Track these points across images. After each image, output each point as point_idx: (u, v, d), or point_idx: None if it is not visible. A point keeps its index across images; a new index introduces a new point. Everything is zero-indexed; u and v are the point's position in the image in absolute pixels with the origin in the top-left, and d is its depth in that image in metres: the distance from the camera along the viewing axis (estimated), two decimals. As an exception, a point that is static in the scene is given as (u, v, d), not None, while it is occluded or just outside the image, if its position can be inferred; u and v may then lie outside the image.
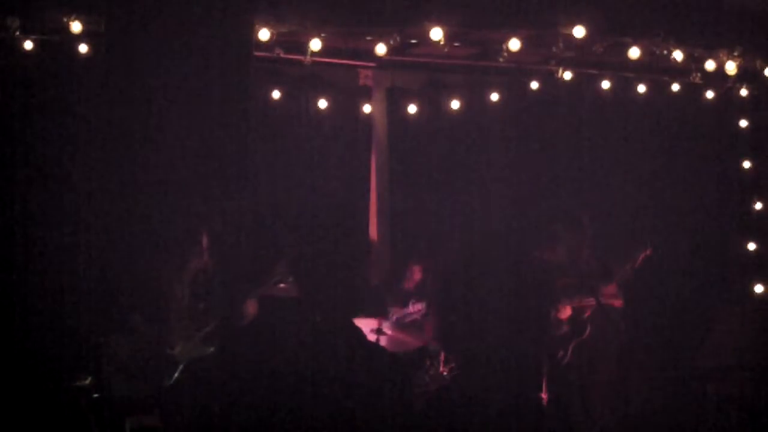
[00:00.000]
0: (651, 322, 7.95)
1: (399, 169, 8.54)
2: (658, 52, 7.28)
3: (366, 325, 7.51)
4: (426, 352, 7.50)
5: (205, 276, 6.91)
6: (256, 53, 6.64)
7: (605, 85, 8.06)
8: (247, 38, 6.36)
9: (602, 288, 7.68)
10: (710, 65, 7.50)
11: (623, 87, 8.11)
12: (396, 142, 8.54)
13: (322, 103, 8.11)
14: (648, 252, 7.79)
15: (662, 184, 8.36)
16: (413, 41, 7.13)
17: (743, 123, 8.14)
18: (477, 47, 7.40)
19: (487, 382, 7.40)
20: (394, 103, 8.46)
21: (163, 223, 6.62)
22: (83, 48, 6.65)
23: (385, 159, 8.53)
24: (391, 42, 6.92)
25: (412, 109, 8.40)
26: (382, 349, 7.47)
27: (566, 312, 7.65)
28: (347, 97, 8.27)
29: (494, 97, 8.43)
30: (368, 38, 7.02)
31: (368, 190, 8.47)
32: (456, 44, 6.99)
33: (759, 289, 7.92)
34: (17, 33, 6.50)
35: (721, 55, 7.48)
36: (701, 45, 7.45)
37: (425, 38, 6.80)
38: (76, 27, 6.47)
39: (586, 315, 7.66)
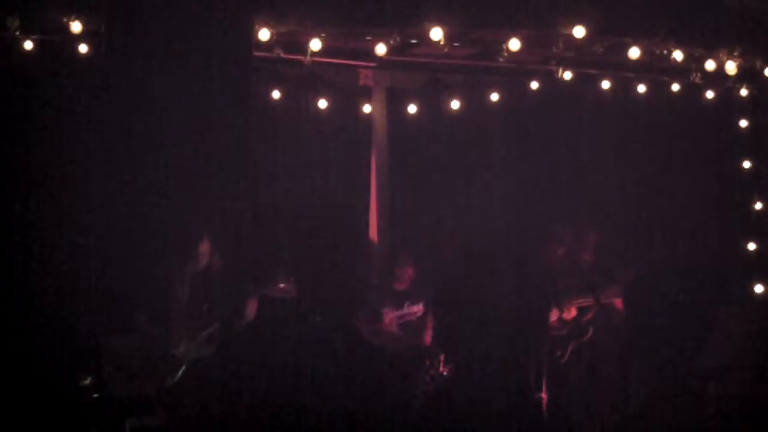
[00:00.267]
0: (651, 322, 7.96)
1: (399, 169, 8.54)
2: (658, 52, 7.28)
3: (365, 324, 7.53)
4: (426, 352, 7.51)
5: (206, 277, 6.91)
6: (256, 53, 6.65)
7: (605, 85, 8.06)
8: (247, 38, 6.36)
9: (605, 288, 7.70)
10: (710, 65, 7.50)
11: (623, 87, 8.11)
12: (396, 142, 8.54)
13: (322, 103, 8.10)
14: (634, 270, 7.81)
15: (662, 184, 8.35)
16: (413, 41, 7.13)
17: (743, 123, 8.14)
18: (477, 47, 7.40)
19: (487, 382, 7.43)
20: (394, 103, 8.46)
21: (163, 222, 6.62)
22: (83, 48, 6.65)
23: (385, 159, 8.53)
24: (391, 42, 6.92)
25: (412, 109, 8.40)
26: (382, 349, 7.53)
27: (571, 313, 7.66)
28: (347, 97, 8.26)
29: (494, 97, 8.42)
30: (368, 38, 7.02)
31: (368, 190, 8.47)
32: (456, 44, 6.99)
33: (759, 289, 7.91)
34: (17, 33, 6.50)
35: (721, 55, 7.48)
36: (701, 45, 7.44)
37: (425, 38, 6.80)
38: (76, 27, 6.47)
39: (589, 317, 7.67)
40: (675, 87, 8.03)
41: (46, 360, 6.47)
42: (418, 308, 7.67)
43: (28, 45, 6.59)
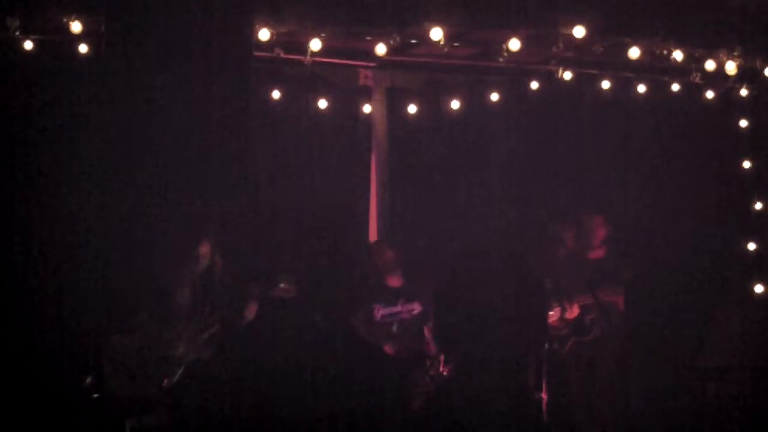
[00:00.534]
0: (651, 322, 7.96)
1: (399, 169, 8.54)
2: (658, 52, 7.28)
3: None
4: (426, 352, 7.51)
5: (207, 278, 6.91)
6: (256, 53, 6.65)
7: (605, 85, 8.06)
8: (247, 38, 6.35)
9: (605, 287, 7.70)
10: (710, 65, 7.50)
11: (623, 87, 8.11)
12: (396, 142, 8.54)
13: (322, 103, 8.11)
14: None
15: (662, 184, 8.35)
16: (413, 41, 7.13)
17: (743, 123, 8.14)
18: (477, 47, 7.40)
19: (487, 382, 7.43)
20: (394, 103, 8.46)
21: (163, 222, 6.62)
22: (83, 48, 6.65)
23: (385, 159, 8.54)
24: (391, 42, 6.92)
25: (412, 109, 8.40)
26: (382, 349, 7.53)
27: (573, 312, 7.66)
28: (347, 97, 8.27)
29: (494, 97, 8.43)
30: (368, 38, 7.02)
31: (368, 190, 8.48)
32: (456, 44, 6.99)
33: (759, 289, 7.91)
34: (17, 33, 6.50)
35: (721, 55, 7.49)
36: (701, 45, 7.45)
37: (425, 38, 6.80)
38: (76, 27, 6.48)
39: (592, 316, 7.67)
40: (675, 87, 8.03)
41: (46, 360, 6.47)
42: (413, 306, 7.66)
43: (28, 45, 6.60)
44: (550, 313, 7.70)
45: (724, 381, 7.66)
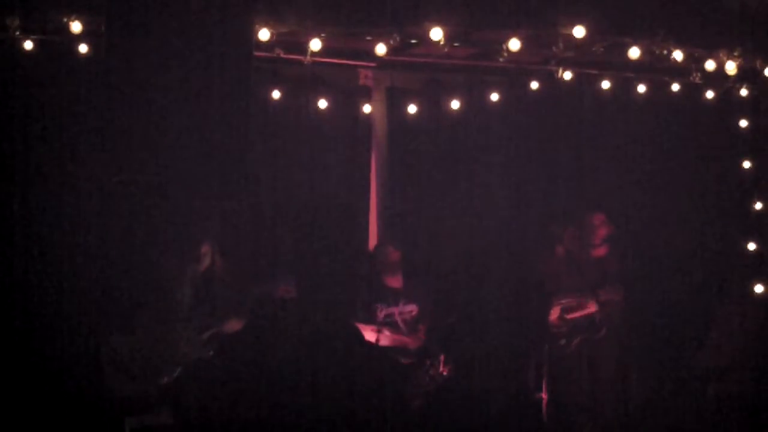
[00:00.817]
0: (651, 322, 7.96)
1: (399, 169, 8.54)
2: (658, 52, 7.27)
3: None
4: (426, 352, 7.51)
5: (207, 279, 6.91)
6: (256, 53, 6.64)
7: (605, 85, 8.06)
8: (247, 38, 6.35)
9: (604, 286, 7.72)
10: (710, 65, 7.49)
11: (623, 87, 8.11)
12: (396, 142, 8.54)
13: (322, 103, 8.10)
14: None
15: (662, 184, 8.36)
16: (413, 41, 7.13)
17: (743, 123, 8.14)
18: (477, 47, 7.40)
19: (487, 382, 7.43)
20: (394, 103, 8.46)
21: (163, 222, 6.62)
22: (83, 48, 6.65)
23: (385, 159, 8.53)
24: (391, 42, 6.92)
25: (412, 109, 8.40)
26: (382, 349, 7.53)
27: (574, 312, 7.67)
28: (347, 97, 8.26)
29: (494, 97, 8.42)
30: (368, 38, 7.01)
31: (368, 190, 8.48)
32: (456, 44, 6.99)
33: (759, 289, 7.91)
34: (17, 33, 6.51)
35: (721, 55, 7.48)
36: (701, 45, 7.44)
37: (425, 38, 6.80)
38: (76, 27, 6.48)
39: (600, 315, 7.68)
40: (675, 87, 8.02)
41: (46, 360, 6.47)
42: (412, 308, 7.67)
43: (28, 45, 6.60)
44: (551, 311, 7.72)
45: (724, 381, 7.66)
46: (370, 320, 7.49)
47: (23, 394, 6.34)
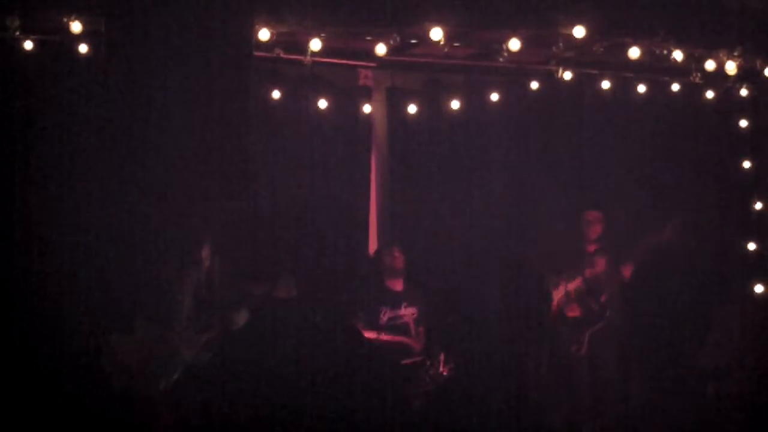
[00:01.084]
0: (651, 322, 7.96)
1: (399, 169, 8.54)
2: (658, 52, 7.27)
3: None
4: (426, 352, 7.51)
5: (207, 282, 6.90)
6: (256, 53, 6.64)
7: (605, 85, 8.06)
8: (247, 38, 6.35)
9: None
10: (710, 65, 7.49)
11: (623, 87, 8.11)
12: (396, 142, 8.54)
13: (322, 103, 8.11)
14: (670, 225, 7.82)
15: (662, 184, 8.36)
16: (413, 41, 7.13)
17: (743, 123, 8.14)
18: (477, 47, 7.40)
19: (487, 382, 7.42)
20: (394, 103, 8.46)
21: (163, 222, 6.62)
22: (83, 48, 6.65)
23: (385, 159, 8.54)
24: (391, 42, 6.92)
25: (412, 109, 8.40)
26: (381, 349, 7.53)
27: (575, 282, 7.71)
28: (347, 97, 8.27)
29: (494, 97, 8.43)
30: (368, 38, 7.01)
31: (368, 190, 8.48)
32: (456, 44, 6.99)
33: (759, 289, 7.91)
34: (17, 33, 6.50)
35: (721, 55, 7.48)
36: (701, 45, 7.44)
37: (425, 38, 6.80)
38: (76, 27, 6.47)
39: (603, 298, 7.70)
40: (675, 87, 8.03)
41: (46, 360, 6.47)
42: (414, 310, 7.68)
43: (28, 45, 6.60)
44: (555, 291, 7.75)
45: (724, 381, 7.66)
46: (372, 323, 7.50)
47: (23, 394, 6.34)
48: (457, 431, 7.16)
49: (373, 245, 8.41)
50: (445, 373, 7.36)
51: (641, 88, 8.10)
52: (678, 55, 7.33)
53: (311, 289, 7.42)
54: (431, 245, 8.46)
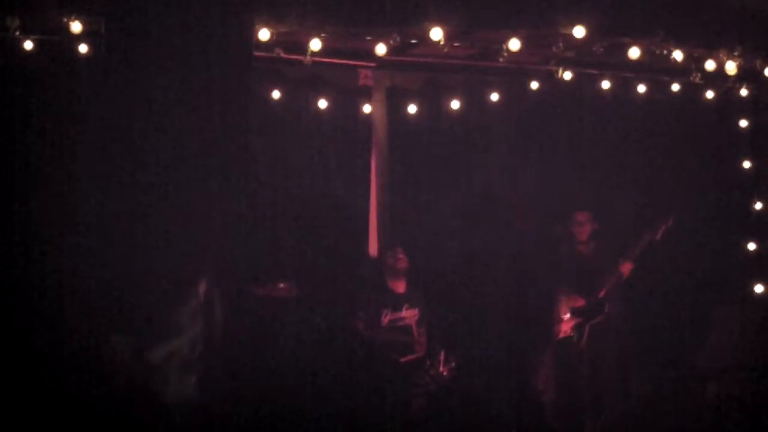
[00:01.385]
0: (651, 322, 7.96)
1: (399, 169, 8.54)
2: (658, 52, 7.27)
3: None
4: (426, 352, 7.52)
5: (204, 320, 6.83)
6: (256, 53, 6.64)
7: (605, 85, 8.06)
8: (247, 38, 6.35)
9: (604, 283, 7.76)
10: (710, 65, 7.49)
11: (623, 87, 8.11)
12: (396, 142, 8.54)
13: (322, 103, 8.11)
14: (664, 226, 7.83)
15: (662, 184, 8.36)
16: (413, 41, 7.13)
17: (743, 123, 8.14)
18: (477, 47, 7.40)
19: (487, 382, 7.43)
20: (394, 103, 8.46)
21: (163, 223, 6.61)
22: (83, 48, 6.65)
23: (385, 159, 8.54)
24: (391, 42, 6.91)
25: (412, 109, 8.40)
26: (382, 349, 7.54)
27: (577, 301, 7.72)
28: (347, 97, 8.27)
29: (494, 97, 8.43)
30: (368, 38, 7.01)
31: (368, 190, 8.48)
32: (456, 44, 6.98)
33: (759, 289, 7.92)
34: (17, 33, 6.50)
35: (721, 55, 7.47)
36: (701, 45, 7.43)
37: (425, 38, 6.80)
38: (76, 27, 6.47)
39: (602, 294, 7.71)
40: (675, 87, 8.03)
41: (46, 360, 6.46)
42: (414, 312, 7.68)
43: (28, 45, 6.59)
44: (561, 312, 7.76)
45: (724, 381, 7.67)
46: (373, 323, 7.50)
47: (23, 394, 6.34)
48: (458, 431, 7.16)
49: (373, 245, 8.41)
50: (445, 373, 7.37)
51: (641, 88, 8.10)
52: (678, 55, 7.32)
53: (311, 289, 7.42)
54: (431, 245, 8.46)
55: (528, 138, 8.61)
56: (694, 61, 7.51)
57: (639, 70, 7.90)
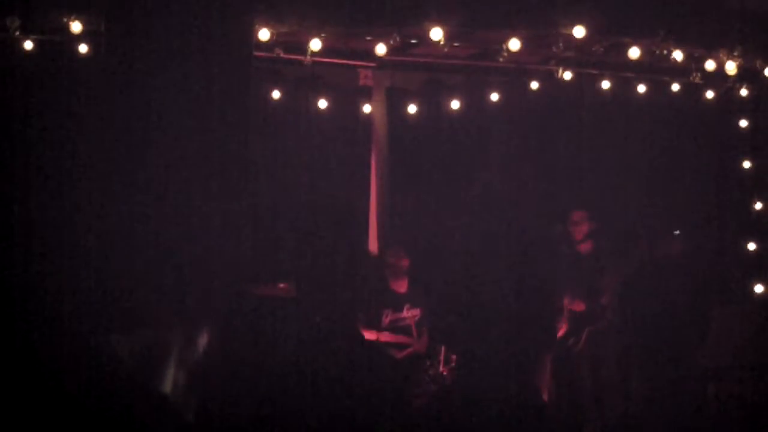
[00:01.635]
0: (651, 322, 7.96)
1: (399, 169, 8.55)
2: (658, 52, 7.27)
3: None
4: (426, 352, 7.52)
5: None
6: (256, 53, 6.64)
7: (605, 85, 8.06)
8: (247, 38, 6.35)
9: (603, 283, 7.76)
10: (710, 65, 7.49)
11: (623, 87, 8.11)
12: (396, 142, 8.54)
13: (322, 103, 8.11)
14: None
15: (662, 184, 8.36)
16: (413, 41, 7.13)
17: (743, 123, 8.14)
18: (477, 47, 7.40)
19: (488, 382, 7.43)
20: (394, 103, 8.47)
21: (163, 223, 6.61)
22: (83, 48, 6.65)
23: (385, 159, 8.54)
24: (391, 42, 6.92)
25: (412, 109, 8.40)
26: (382, 349, 7.54)
27: (580, 305, 7.72)
28: (347, 97, 8.27)
29: (494, 97, 8.43)
30: (368, 38, 7.02)
31: (368, 190, 8.48)
32: (456, 44, 6.99)
33: (759, 289, 7.92)
34: (17, 33, 6.50)
35: (721, 55, 7.48)
36: (701, 45, 7.44)
37: (425, 38, 6.80)
38: (76, 27, 6.48)
39: (603, 301, 7.71)
40: (675, 87, 8.03)
41: (46, 360, 6.46)
42: (415, 312, 7.68)
43: (28, 45, 6.60)
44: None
45: (724, 381, 7.66)
46: (373, 323, 7.50)
47: (23, 394, 6.34)
48: (458, 431, 7.16)
49: (373, 245, 8.41)
50: (445, 373, 7.37)
51: (641, 88, 8.10)
52: (678, 55, 7.33)
53: (311, 289, 7.42)
54: (431, 245, 8.46)
55: (528, 138, 8.61)
56: (694, 61, 7.51)
57: (639, 70, 7.90)
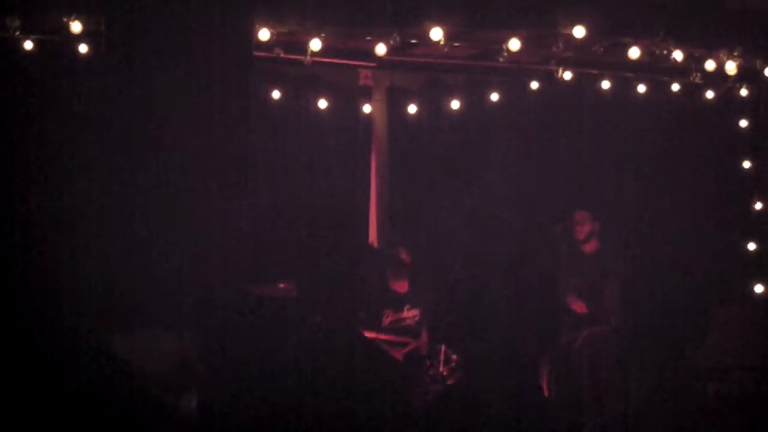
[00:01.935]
0: (651, 322, 7.96)
1: (399, 169, 8.55)
2: (658, 52, 7.27)
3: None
4: (426, 352, 7.52)
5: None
6: (256, 53, 6.64)
7: (605, 85, 8.06)
8: (247, 38, 6.35)
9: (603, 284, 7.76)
10: (710, 65, 7.49)
11: (623, 87, 8.11)
12: (396, 142, 8.55)
13: (322, 103, 8.11)
14: None
15: (662, 184, 8.36)
16: (413, 41, 7.13)
17: (743, 123, 8.14)
18: (477, 47, 7.40)
19: (488, 382, 7.43)
20: (394, 103, 8.47)
21: (163, 222, 6.62)
22: (83, 48, 6.65)
23: (385, 159, 8.54)
24: (391, 42, 6.92)
25: (412, 109, 8.40)
26: (382, 349, 7.54)
27: (582, 307, 7.72)
28: (347, 97, 8.27)
29: (494, 97, 8.43)
30: (368, 38, 7.01)
31: (368, 190, 8.48)
32: (456, 44, 6.99)
33: (759, 289, 7.91)
34: (17, 33, 6.51)
35: (721, 55, 7.47)
36: (701, 45, 7.44)
37: (425, 38, 6.80)
38: (76, 27, 6.48)
39: (605, 303, 7.71)
40: (675, 87, 8.03)
41: (46, 360, 6.47)
42: (415, 312, 7.68)
43: (28, 45, 6.60)
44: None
45: (724, 381, 7.66)
46: (373, 323, 7.50)
47: (23, 394, 6.34)
48: (458, 431, 7.16)
49: (374, 246, 8.41)
50: (445, 373, 7.37)
51: (641, 88, 8.10)
52: (678, 55, 7.33)
53: (311, 289, 7.42)
54: (431, 245, 8.46)
55: (528, 138, 8.61)
56: (694, 61, 7.51)
57: (639, 70, 7.90)
